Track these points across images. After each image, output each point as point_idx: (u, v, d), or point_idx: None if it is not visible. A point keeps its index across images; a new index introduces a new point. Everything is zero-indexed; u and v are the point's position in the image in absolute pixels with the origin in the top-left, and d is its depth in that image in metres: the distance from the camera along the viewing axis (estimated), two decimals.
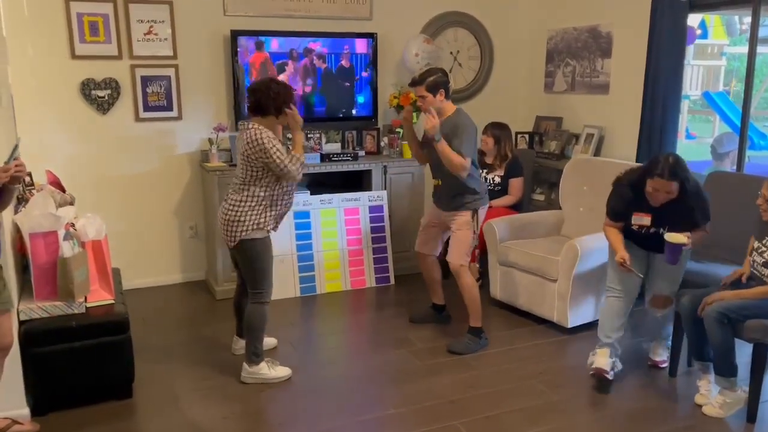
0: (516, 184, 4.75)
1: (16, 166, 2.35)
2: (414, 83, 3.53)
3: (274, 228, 3.33)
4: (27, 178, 3.45)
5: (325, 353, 3.75)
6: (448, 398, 3.16)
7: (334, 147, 4.92)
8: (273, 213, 3.26)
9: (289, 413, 3.07)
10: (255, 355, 3.31)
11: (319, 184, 4.88)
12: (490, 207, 4.68)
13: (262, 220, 3.21)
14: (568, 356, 3.69)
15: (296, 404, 3.13)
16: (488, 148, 4.76)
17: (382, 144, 5.12)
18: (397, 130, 5.04)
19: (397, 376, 3.41)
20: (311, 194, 4.70)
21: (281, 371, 3.35)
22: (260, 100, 3.16)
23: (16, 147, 2.39)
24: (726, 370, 2.96)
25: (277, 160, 3.08)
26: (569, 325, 3.89)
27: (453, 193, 3.65)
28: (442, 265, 3.94)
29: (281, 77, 4.68)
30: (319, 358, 3.67)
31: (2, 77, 3.15)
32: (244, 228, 3.17)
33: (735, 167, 4.24)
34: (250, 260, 3.26)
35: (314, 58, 4.81)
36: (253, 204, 3.19)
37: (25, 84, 4.12)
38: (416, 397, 3.17)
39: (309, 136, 4.89)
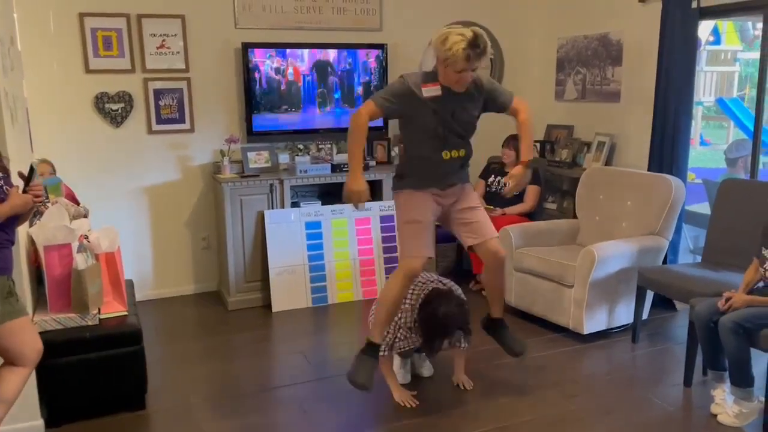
0: (532, 191, 4.76)
1: (32, 189, 2.39)
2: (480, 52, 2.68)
3: None
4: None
5: (338, 364, 3.73)
6: (462, 408, 3.15)
7: (345, 157, 4.93)
8: None
9: (302, 424, 3.06)
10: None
11: (330, 194, 4.90)
12: (503, 214, 4.71)
13: None
14: (584, 365, 3.66)
15: (309, 415, 3.13)
16: (510, 160, 4.76)
17: (392, 154, 5.13)
18: None
19: (410, 386, 3.39)
20: (322, 204, 4.72)
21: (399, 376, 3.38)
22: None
23: (33, 170, 2.43)
24: (742, 380, 2.93)
25: None
26: (585, 332, 3.86)
27: (468, 162, 3.07)
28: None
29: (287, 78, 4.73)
30: (331, 368, 3.67)
31: (18, 91, 3.20)
32: None
33: (749, 174, 4.20)
34: None
35: (325, 68, 4.84)
36: None
37: (40, 98, 4.18)
38: (429, 407, 3.15)
39: (320, 146, 4.91)
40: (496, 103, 3.01)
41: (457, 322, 3.02)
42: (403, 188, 2.98)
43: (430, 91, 2.79)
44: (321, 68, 4.83)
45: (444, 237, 5.21)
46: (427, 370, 3.52)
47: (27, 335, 2.52)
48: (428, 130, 2.82)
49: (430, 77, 2.81)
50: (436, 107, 2.79)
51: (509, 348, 3.29)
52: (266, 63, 4.66)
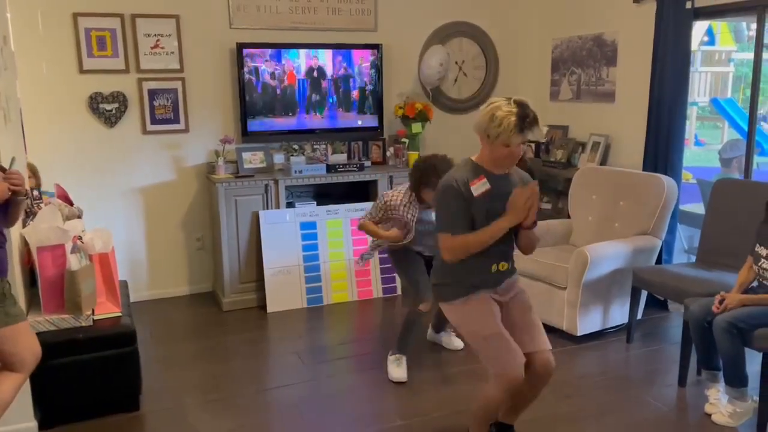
0: None
1: (9, 175, 2.35)
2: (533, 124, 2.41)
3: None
4: (35, 192, 3.48)
5: (333, 364, 3.74)
6: (455, 409, 3.15)
7: (341, 158, 4.93)
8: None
9: (297, 425, 3.06)
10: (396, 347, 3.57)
11: (325, 194, 4.89)
12: None
13: None
14: (578, 366, 3.66)
15: (303, 416, 3.12)
16: None
17: (387, 154, 5.13)
18: (403, 140, 5.05)
19: (404, 387, 3.40)
20: (317, 205, 4.71)
21: (398, 373, 3.47)
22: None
23: (13, 160, 2.41)
24: (736, 380, 2.93)
25: None
26: (578, 333, 3.87)
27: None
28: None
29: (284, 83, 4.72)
30: (326, 369, 3.66)
31: (11, 91, 3.18)
32: None
33: (743, 174, 4.21)
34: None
35: (320, 69, 4.83)
36: None
37: (33, 98, 4.17)
38: (423, 408, 3.16)
39: (315, 147, 4.91)
40: None
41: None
42: (455, 297, 2.57)
43: (479, 187, 2.43)
44: (316, 73, 4.82)
45: None
46: (456, 341, 3.81)
47: (25, 340, 2.51)
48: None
49: (473, 172, 2.45)
50: (489, 207, 2.43)
51: None
52: (262, 67, 4.65)
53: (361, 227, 3.63)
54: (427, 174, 3.31)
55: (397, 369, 3.47)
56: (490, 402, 2.56)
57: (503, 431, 2.83)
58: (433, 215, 3.10)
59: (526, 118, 2.36)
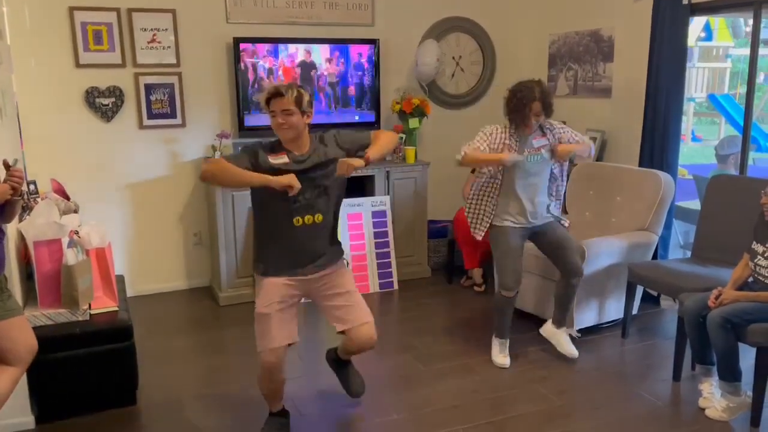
0: None
1: (12, 175, 2.36)
2: (279, 94, 2.64)
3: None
4: (31, 187, 3.48)
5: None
6: (451, 403, 3.16)
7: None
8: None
9: (294, 419, 3.07)
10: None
11: None
12: None
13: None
14: (573, 360, 3.67)
15: (300, 410, 3.13)
16: None
17: None
18: (400, 135, 5.04)
19: (400, 382, 3.41)
20: None
21: (499, 359, 3.59)
22: None
23: (16, 160, 2.42)
24: (729, 375, 2.95)
25: None
26: (575, 328, 3.88)
27: (334, 232, 2.89)
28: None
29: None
30: (323, 364, 3.66)
31: (7, 86, 3.19)
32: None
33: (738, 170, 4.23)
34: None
35: (317, 64, 4.83)
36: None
37: (30, 93, 4.16)
38: (419, 403, 3.17)
39: None
40: (348, 141, 2.82)
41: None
42: (258, 273, 2.81)
43: (278, 158, 2.66)
44: (313, 68, 4.82)
45: (436, 233, 5.23)
46: (571, 348, 3.65)
47: (20, 335, 2.50)
48: (274, 191, 2.58)
49: (276, 148, 2.70)
50: (283, 169, 2.63)
51: (348, 387, 3.17)
52: (258, 62, 4.64)
53: (465, 158, 3.36)
54: (528, 87, 3.34)
55: (499, 355, 3.59)
56: (259, 379, 2.81)
57: (339, 365, 3.15)
58: (541, 141, 3.45)
59: (275, 93, 2.63)
